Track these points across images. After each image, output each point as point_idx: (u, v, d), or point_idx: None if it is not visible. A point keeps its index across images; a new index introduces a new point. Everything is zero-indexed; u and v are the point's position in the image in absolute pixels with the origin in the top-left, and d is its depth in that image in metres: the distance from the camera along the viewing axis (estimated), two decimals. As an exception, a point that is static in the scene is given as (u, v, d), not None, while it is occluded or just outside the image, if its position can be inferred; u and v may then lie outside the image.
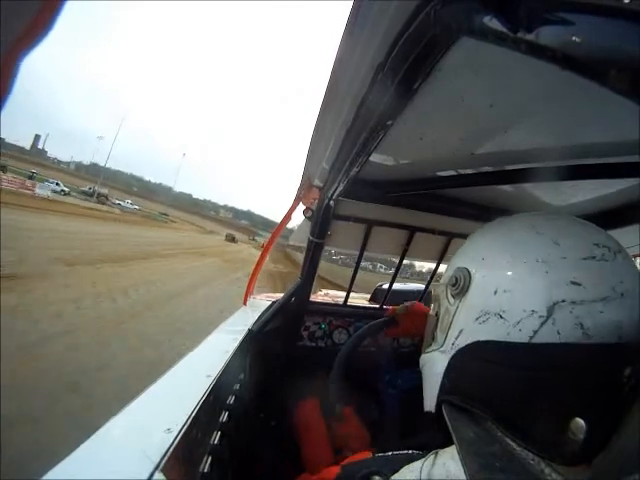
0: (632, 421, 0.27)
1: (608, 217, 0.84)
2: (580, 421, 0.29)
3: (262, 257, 1.31)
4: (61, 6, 0.20)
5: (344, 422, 0.94)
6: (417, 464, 0.41)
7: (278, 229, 1.25)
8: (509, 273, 0.42)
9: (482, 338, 0.43)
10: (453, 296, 0.48)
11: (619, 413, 0.28)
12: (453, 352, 0.46)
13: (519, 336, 0.39)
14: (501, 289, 0.42)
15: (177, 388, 0.62)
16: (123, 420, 0.49)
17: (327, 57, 0.49)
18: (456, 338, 0.46)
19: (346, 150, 0.65)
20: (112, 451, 0.43)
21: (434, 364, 0.50)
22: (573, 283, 0.38)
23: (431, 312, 0.57)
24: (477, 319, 0.43)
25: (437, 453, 0.41)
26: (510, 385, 0.37)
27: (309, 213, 1.09)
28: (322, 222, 1.02)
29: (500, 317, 0.41)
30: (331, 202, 0.95)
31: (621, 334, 0.36)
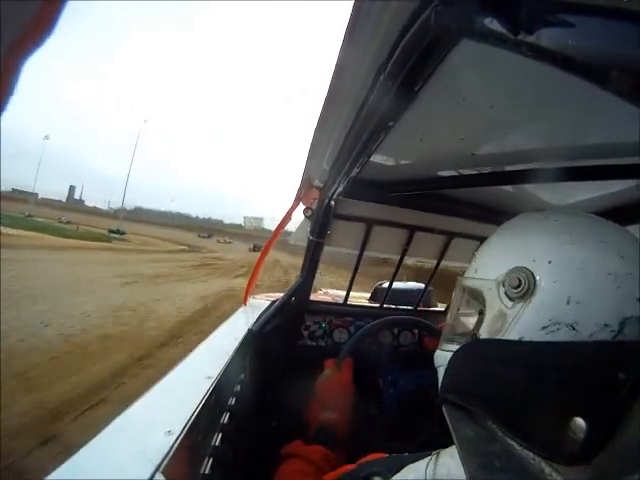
0: (632, 421, 0.27)
1: (608, 217, 0.84)
2: (580, 421, 0.29)
3: (262, 257, 1.31)
4: (62, 6, 0.20)
5: (339, 372, 1.01)
6: (418, 464, 0.42)
7: (278, 229, 1.25)
8: (582, 283, 0.41)
9: None
10: (511, 298, 0.45)
11: (619, 413, 0.28)
12: None
13: None
14: (574, 300, 0.40)
15: (178, 390, 0.62)
16: (124, 422, 0.49)
17: (328, 59, 0.49)
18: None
19: (347, 151, 0.65)
20: (113, 453, 0.43)
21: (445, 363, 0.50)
22: (639, 300, 0.38)
23: (461, 307, 0.55)
24: (545, 328, 0.41)
25: (438, 453, 0.41)
26: (510, 384, 0.37)
27: (309, 213, 1.09)
28: (322, 222, 1.03)
29: (572, 328, 0.39)
30: (331, 202, 0.95)
31: None
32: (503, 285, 0.46)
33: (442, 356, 0.52)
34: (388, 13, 0.35)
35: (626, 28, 0.21)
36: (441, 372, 0.51)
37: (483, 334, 0.47)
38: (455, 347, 0.49)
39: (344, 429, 0.87)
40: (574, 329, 0.39)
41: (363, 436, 0.96)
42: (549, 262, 0.43)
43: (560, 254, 0.44)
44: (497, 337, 0.45)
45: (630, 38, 0.21)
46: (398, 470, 0.43)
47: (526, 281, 0.43)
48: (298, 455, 0.74)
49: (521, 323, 0.43)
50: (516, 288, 0.44)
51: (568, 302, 0.40)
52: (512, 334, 0.43)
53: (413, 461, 0.43)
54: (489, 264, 0.50)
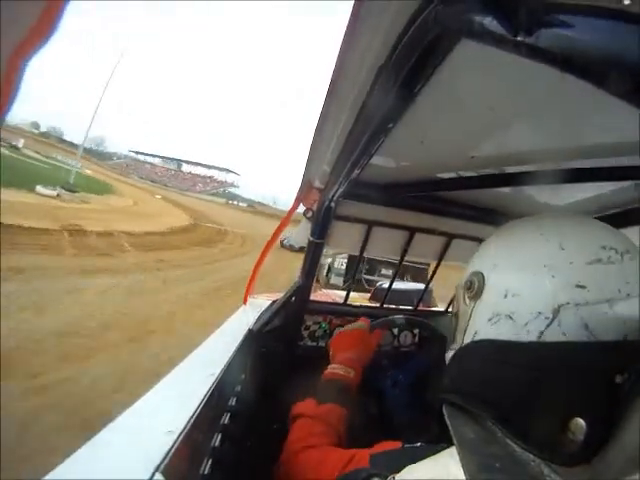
0: (632, 421, 0.27)
1: (608, 218, 0.85)
2: (580, 421, 0.29)
3: (262, 257, 1.31)
4: (64, 7, 0.21)
5: (372, 333, 1.03)
6: (418, 464, 0.42)
7: (279, 229, 1.25)
8: (518, 278, 0.45)
9: (493, 338, 0.45)
10: (469, 298, 0.51)
11: (619, 413, 0.28)
12: None
13: (527, 337, 0.41)
14: (510, 293, 0.44)
15: (178, 389, 0.62)
16: (124, 422, 0.49)
17: (328, 59, 0.49)
18: (472, 338, 0.49)
19: (347, 153, 0.65)
20: (113, 452, 0.43)
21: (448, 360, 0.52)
22: (578, 286, 0.40)
23: (451, 312, 0.60)
24: (489, 320, 0.46)
25: (439, 453, 0.41)
26: (510, 385, 0.37)
27: (309, 214, 1.09)
28: (322, 223, 1.03)
29: (510, 318, 0.43)
30: (331, 203, 0.95)
31: (627, 332, 0.37)
32: (463, 288, 0.53)
33: (447, 356, 0.55)
34: (388, 13, 0.35)
35: (625, 29, 0.21)
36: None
37: (457, 333, 0.54)
38: (453, 347, 0.54)
39: (356, 388, 0.84)
40: (511, 319, 0.43)
41: (364, 431, 0.95)
42: (495, 265, 0.49)
43: (504, 256, 0.49)
44: (463, 334, 0.51)
45: (629, 39, 0.21)
46: (406, 464, 0.43)
47: (477, 282, 0.50)
48: (312, 416, 0.71)
49: (475, 319, 0.49)
50: (469, 289, 0.51)
51: (506, 296, 0.45)
52: (471, 330, 0.49)
53: (426, 453, 0.43)
54: (466, 271, 0.56)
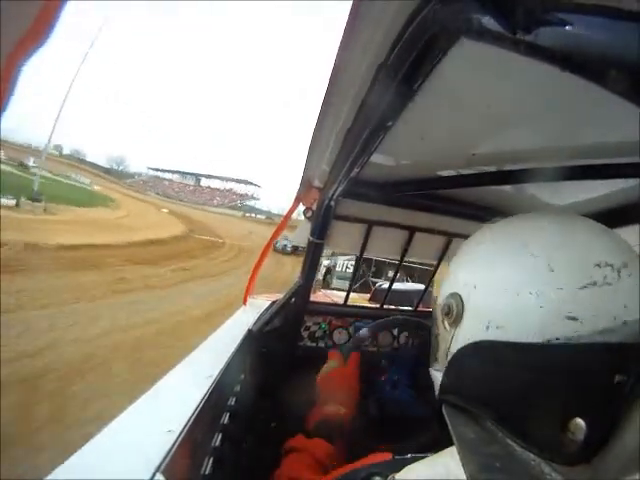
0: (632, 421, 0.27)
1: (608, 217, 0.84)
2: (580, 421, 0.29)
3: (262, 257, 1.31)
4: (61, 8, 0.20)
5: (345, 365, 0.96)
6: (418, 464, 0.41)
7: (278, 229, 1.25)
8: (501, 307, 0.39)
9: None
10: (448, 324, 0.46)
11: (619, 413, 0.28)
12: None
13: None
14: (494, 324, 0.39)
15: (178, 389, 0.62)
16: (124, 422, 0.49)
17: (327, 57, 0.49)
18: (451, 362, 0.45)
19: (346, 151, 0.65)
20: (113, 452, 0.43)
21: (435, 379, 0.50)
22: (569, 318, 0.35)
23: (432, 330, 0.54)
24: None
25: (438, 453, 0.41)
26: (509, 385, 0.37)
27: (309, 213, 1.09)
28: (322, 222, 1.03)
29: None
30: (331, 202, 0.95)
31: None
32: (441, 312, 0.47)
33: (431, 373, 0.52)
34: (387, 12, 0.35)
35: (623, 26, 0.21)
36: (435, 387, 0.50)
37: (438, 354, 0.49)
38: (435, 368, 0.50)
39: (348, 424, 0.84)
40: None
41: (364, 433, 0.95)
42: (474, 287, 0.43)
43: (485, 276, 0.43)
44: (445, 357, 0.46)
45: (627, 36, 0.21)
46: (398, 470, 0.43)
47: (455, 308, 0.44)
48: (300, 450, 0.71)
49: (454, 347, 0.44)
50: (447, 315, 0.45)
51: (488, 328, 0.39)
52: (450, 354, 0.44)
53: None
54: (442, 287, 0.50)
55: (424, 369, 0.56)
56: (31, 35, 0.20)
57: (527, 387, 0.35)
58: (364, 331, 1.16)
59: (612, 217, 0.83)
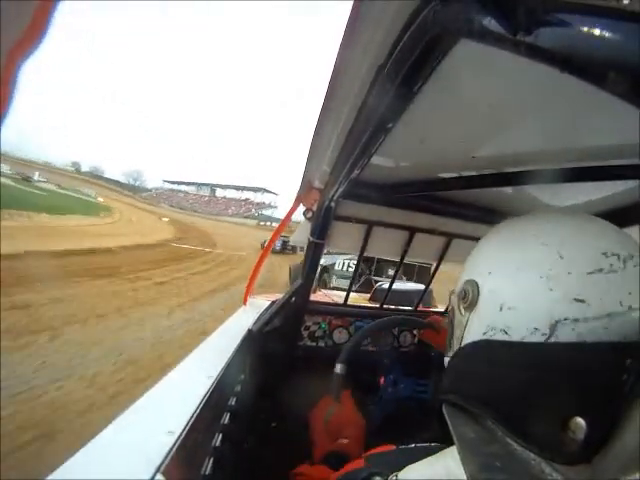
0: (632, 421, 0.27)
1: (608, 217, 0.84)
2: (580, 420, 0.29)
3: (262, 257, 1.32)
4: (54, 7, 0.21)
5: (341, 405, 0.96)
6: (418, 464, 0.42)
7: (278, 229, 1.25)
8: (514, 289, 0.42)
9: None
10: (464, 309, 0.48)
11: (619, 413, 0.28)
12: None
13: None
14: (506, 306, 0.42)
15: (178, 390, 0.62)
16: (125, 422, 0.49)
17: (327, 59, 0.49)
18: None
19: (347, 152, 0.65)
20: (114, 453, 0.43)
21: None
22: (577, 300, 0.37)
23: (446, 320, 0.56)
24: (485, 333, 0.44)
25: (438, 453, 0.41)
26: (509, 384, 0.37)
27: (309, 214, 1.09)
28: (322, 223, 1.03)
29: (505, 333, 0.41)
30: (331, 203, 0.95)
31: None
32: (458, 297, 0.50)
33: (446, 363, 0.53)
34: (387, 13, 0.35)
35: (624, 27, 0.21)
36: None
37: (454, 341, 0.51)
38: (449, 355, 0.52)
39: (356, 451, 0.83)
40: (506, 333, 0.41)
41: (369, 435, 0.95)
42: (489, 273, 0.46)
43: (499, 263, 0.46)
44: (460, 343, 0.48)
45: (628, 37, 0.21)
46: (404, 465, 0.43)
47: (470, 292, 0.47)
48: (303, 475, 0.71)
49: (470, 331, 0.47)
50: (463, 299, 0.48)
51: (501, 309, 0.42)
52: (466, 339, 0.47)
53: (420, 454, 0.43)
54: (460, 278, 0.53)
55: (424, 369, 0.57)
56: (28, 35, 0.20)
57: (527, 386, 0.35)
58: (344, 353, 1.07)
59: (612, 218, 0.83)
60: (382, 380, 1.17)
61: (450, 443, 0.39)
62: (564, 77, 0.24)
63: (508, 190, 0.85)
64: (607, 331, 0.36)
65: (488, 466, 0.32)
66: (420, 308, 1.53)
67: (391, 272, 7.18)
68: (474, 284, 0.47)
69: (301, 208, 1.10)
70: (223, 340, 0.95)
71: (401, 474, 0.42)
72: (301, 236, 1.17)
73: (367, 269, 7.41)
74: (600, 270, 0.37)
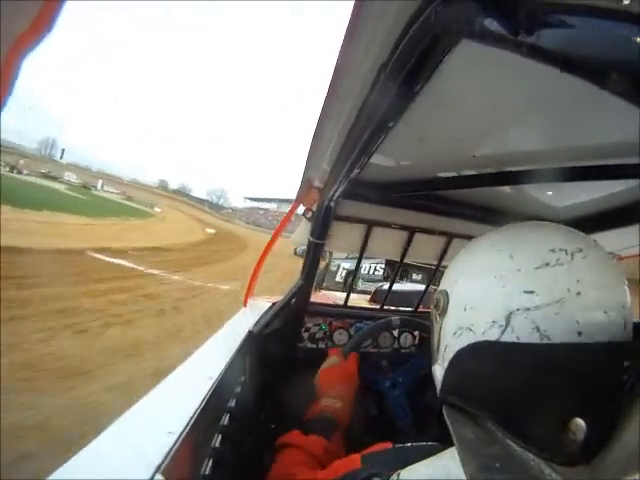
0: (632, 421, 0.27)
1: (608, 217, 0.85)
2: (580, 421, 0.29)
3: (262, 258, 1.31)
4: (61, 6, 0.21)
5: (346, 362, 1.02)
6: (418, 465, 0.41)
7: (278, 230, 1.25)
8: (474, 291, 0.48)
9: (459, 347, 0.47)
10: (438, 316, 0.54)
11: (619, 413, 0.28)
12: (445, 363, 0.50)
13: None
14: (469, 306, 0.47)
15: (179, 390, 0.62)
16: (125, 423, 0.49)
17: (328, 58, 0.49)
18: (444, 353, 0.51)
19: (347, 151, 0.65)
20: (114, 453, 0.43)
21: (436, 376, 0.54)
22: (526, 292, 0.42)
23: (431, 328, 0.60)
24: (454, 334, 0.49)
25: (438, 454, 0.41)
26: (510, 385, 0.37)
27: (309, 214, 1.09)
28: (322, 223, 1.03)
29: (470, 330, 0.46)
30: (331, 203, 0.95)
31: (581, 330, 0.38)
32: (433, 306, 0.56)
33: (434, 371, 0.56)
34: (388, 13, 0.35)
35: (624, 28, 0.21)
36: (436, 384, 0.54)
37: (434, 348, 0.56)
38: (434, 362, 0.55)
39: (346, 419, 0.85)
40: (471, 330, 0.46)
41: (363, 430, 0.95)
42: (455, 281, 0.52)
43: (463, 272, 0.52)
44: (437, 349, 0.53)
45: (628, 38, 0.21)
46: (401, 464, 0.43)
47: (442, 300, 0.53)
48: (296, 446, 0.72)
49: (443, 335, 0.52)
50: (436, 307, 0.54)
51: (465, 309, 0.48)
52: (442, 345, 0.52)
53: (417, 453, 0.44)
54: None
55: (424, 370, 0.58)
56: (31, 32, 0.20)
57: (527, 387, 0.35)
58: (361, 335, 1.19)
59: (612, 217, 0.84)
60: (384, 389, 1.17)
61: (449, 444, 0.39)
62: (564, 77, 0.24)
63: (508, 189, 0.85)
64: (559, 316, 0.39)
65: (488, 467, 0.32)
66: (421, 309, 1.53)
67: (416, 276, 7.21)
68: (445, 293, 0.53)
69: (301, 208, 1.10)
70: (224, 341, 0.95)
71: (401, 475, 0.42)
72: (301, 236, 1.17)
73: (392, 273, 7.38)
74: (547, 264, 0.42)
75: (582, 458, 0.29)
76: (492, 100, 0.48)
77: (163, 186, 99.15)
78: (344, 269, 7.90)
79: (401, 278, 7.32)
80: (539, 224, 0.51)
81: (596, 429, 0.28)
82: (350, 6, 0.35)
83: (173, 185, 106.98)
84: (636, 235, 0.83)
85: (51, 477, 0.37)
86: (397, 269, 1.49)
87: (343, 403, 0.87)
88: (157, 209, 33.64)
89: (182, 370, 0.71)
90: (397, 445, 0.52)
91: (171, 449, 0.44)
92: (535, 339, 0.39)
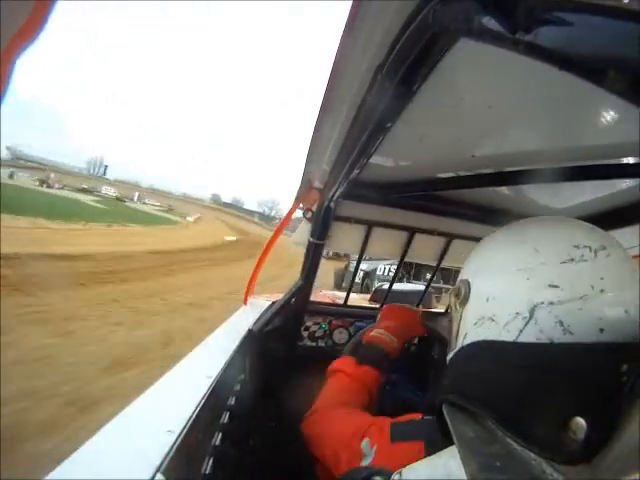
0: (632, 421, 0.27)
1: (608, 218, 0.84)
2: (580, 420, 0.29)
3: (262, 257, 1.31)
4: (52, 6, 0.21)
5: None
6: (418, 464, 0.41)
7: (278, 230, 1.25)
8: (497, 282, 0.48)
9: (480, 339, 0.47)
10: (458, 304, 0.54)
11: (619, 413, 0.28)
12: None
13: (508, 336, 0.43)
14: (491, 297, 0.48)
15: (178, 389, 0.62)
16: (124, 421, 0.49)
17: (326, 58, 0.49)
18: (463, 340, 0.51)
19: (346, 152, 0.65)
20: (113, 452, 0.43)
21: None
22: (551, 286, 0.42)
23: (448, 319, 0.62)
24: (475, 324, 0.49)
25: (438, 453, 0.41)
26: (510, 384, 0.37)
27: (309, 214, 1.09)
28: (322, 223, 1.02)
29: (492, 320, 0.46)
30: (331, 204, 0.95)
31: (603, 327, 0.38)
32: (454, 295, 0.56)
33: (449, 360, 0.56)
34: (386, 12, 0.35)
35: (623, 26, 0.21)
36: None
37: (452, 337, 0.57)
38: (450, 351, 0.56)
39: (393, 354, 0.86)
40: (493, 320, 0.46)
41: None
42: (478, 271, 0.53)
43: (486, 263, 0.53)
44: (456, 338, 0.54)
45: (627, 36, 0.21)
46: (424, 437, 0.46)
47: (463, 290, 0.53)
48: (350, 375, 0.74)
49: (464, 323, 0.52)
50: (457, 296, 0.54)
51: (487, 300, 0.48)
52: (462, 333, 0.52)
53: (440, 430, 0.45)
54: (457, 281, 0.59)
55: (418, 367, 0.59)
56: (25, 31, 0.20)
57: (527, 386, 0.35)
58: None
59: (612, 218, 0.84)
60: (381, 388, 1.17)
61: (450, 443, 0.39)
62: (563, 76, 0.24)
63: (508, 189, 0.85)
64: (582, 312, 0.40)
65: (488, 466, 0.32)
66: (420, 309, 1.53)
67: (429, 276, 7.19)
68: (466, 283, 0.53)
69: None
70: (223, 340, 0.95)
71: (402, 474, 0.42)
72: (301, 237, 1.17)
73: (407, 273, 7.50)
74: (572, 260, 0.42)
75: (583, 457, 0.29)
76: (491, 99, 0.48)
77: (215, 200, 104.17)
78: (361, 270, 7.98)
79: (416, 278, 7.37)
80: (561, 219, 0.52)
81: (596, 428, 0.28)
82: (348, 6, 0.35)
83: (226, 199, 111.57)
84: (636, 235, 0.83)
85: (50, 476, 0.37)
86: (399, 267, 1.48)
87: (398, 341, 0.88)
88: (189, 218, 33.97)
89: (181, 368, 0.71)
90: (426, 417, 0.54)
91: (171, 448, 0.44)
92: (558, 333, 0.40)
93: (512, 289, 0.45)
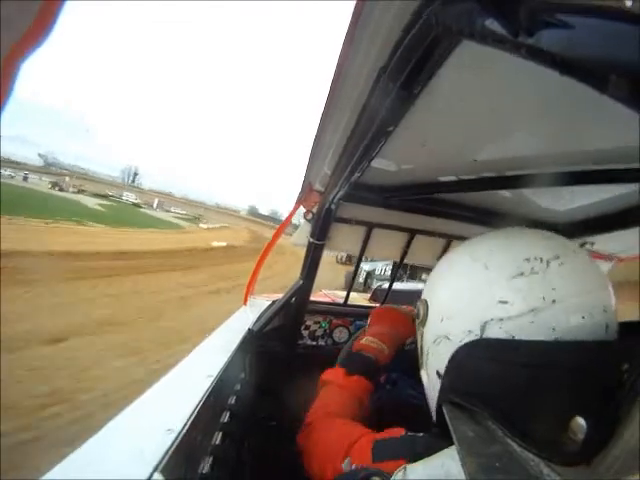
0: (632, 421, 0.27)
1: (608, 220, 0.85)
2: (580, 420, 0.29)
3: (262, 257, 1.31)
4: (61, 8, 0.21)
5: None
6: (418, 464, 0.41)
7: (278, 231, 1.25)
8: (449, 302, 0.49)
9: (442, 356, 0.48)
10: (419, 325, 0.56)
11: (619, 413, 0.28)
12: (429, 370, 0.52)
13: None
14: (445, 316, 0.49)
15: (178, 388, 0.62)
16: (123, 420, 0.49)
17: (328, 61, 0.49)
18: (427, 359, 0.53)
19: (347, 156, 0.65)
20: (112, 451, 0.43)
21: (423, 381, 0.56)
22: (501, 302, 0.42)
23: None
24: (434, 342, 0.50)
25: (438, 453, 0.41)
26: (510, 384, 0.37)
27: (310, 216, 1.09)
28: (322, 225, 1.02)
29: (447, 339, 0.47)
30: (332, 206, 0.95)
31: (557, 336, 0.39)
32: (415, 316, 0.58)
33: (421, 376, 0.58)
34: (388, 14, 0.35)
35: (626, 30, 0.21)
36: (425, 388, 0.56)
37: (419, 354, 0.57)
38: (420, 367, 0.57)
39: (384, 361, 0.84)
40: (448, 339, 0.47)
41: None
42: (434, 292, 0.54)
43: (441, 281, 0.54)
44: (421, 355, 0.55)
45: (630, 40, 0.20)
46: (409, 455, 0.45)
47: (422, 310, 0.54)
48: (340, 386, 0.73)
49: (425, 342, 0.53)
50: (417, 317, 0.56)
51: (442, 320, 0.49)
52: (424, 351, 0.53)
53: (425, 445, 0.46)
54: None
55: (414, 365, 0.60)
56: (30, 36, 0.20)
57: (527, 385, 0.35)
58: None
59: (613, 220, 0.84)
60: (382, 378, 1.17)
61: (450, 442, 0.39)
62: (565, 80, 0.24)
63: (509, 193, 0.85)
64: (533, 325, 0.40)
65: (488, 467, 0.32)
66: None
67: (425, 276, 7.25)
68: (425, 303, 0.55)
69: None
70: (223, 339, 0.95)
71: (400, 475, 0.42)
72: (301, 237, 1.17)
73: (404, 273, 7.62)
74: (521, 274, 0.43)
75: (582, 458, 0.29)
76: (493, 103, 0.48)
77: (252, 211, 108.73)
78: (364, 271, 8.09)
79: (412, 278, 7.43)
80: (519, 231, 0.52)
81: (596, 429, 0.28)
82: (350, 9, 0.35)
83: (264, 211, 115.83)
84: (636, 237, 0.83)
85: (49, 475, 0.37)
86: (397, 268, 1.48)
87: (389, 349, 0.86)
88: (202, 225, 33.84)
89: (182, 367, 0.71)
90: (409, 433, 0.53)
91: (170, 447, 0.44)
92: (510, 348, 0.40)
93: (463, 308, 0.46)
